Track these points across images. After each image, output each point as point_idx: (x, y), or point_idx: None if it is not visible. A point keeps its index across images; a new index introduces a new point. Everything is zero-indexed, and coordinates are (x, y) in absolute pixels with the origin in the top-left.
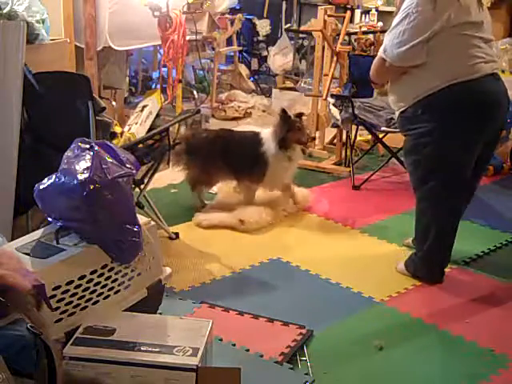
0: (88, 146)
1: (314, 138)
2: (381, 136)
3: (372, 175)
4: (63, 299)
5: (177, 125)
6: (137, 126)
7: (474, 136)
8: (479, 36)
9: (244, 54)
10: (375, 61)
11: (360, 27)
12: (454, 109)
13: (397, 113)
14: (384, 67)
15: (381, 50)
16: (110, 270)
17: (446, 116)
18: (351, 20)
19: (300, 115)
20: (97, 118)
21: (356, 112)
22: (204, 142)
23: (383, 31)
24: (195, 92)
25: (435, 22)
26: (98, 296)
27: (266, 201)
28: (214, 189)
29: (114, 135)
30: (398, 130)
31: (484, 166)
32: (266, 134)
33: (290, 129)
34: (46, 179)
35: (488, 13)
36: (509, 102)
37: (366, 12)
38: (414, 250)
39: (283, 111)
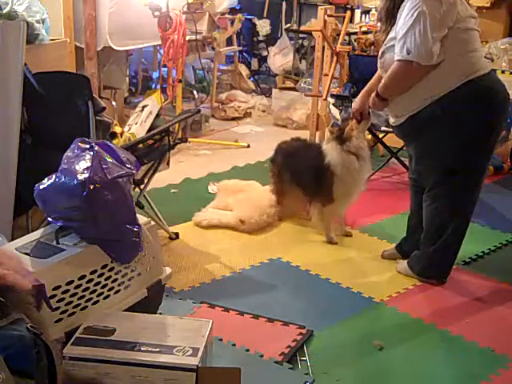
0: (88, 146)
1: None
2: (381, 136)
3: (372, 175)
4: (63, 299)
5: (177, 125)
6: (137, 126)
7: (494, 131)
8: (477, 29)
9: (244, 53)
10: (396, 70)
11: (360, 27)
12: (475, 107)
13: (401, 118)
14: (411, 72)
15: (401, 55)
16: (110, 270)
17: (467, 115)
18: (351, 20)
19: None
20: (97, 117)
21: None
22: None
23: None
24: (195, 92)
25: (446, 16)
26: (98, 296)
27: (267, 201)
28: (214, 188)
29: (113, 135)
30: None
31: None
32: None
33: (343, 127)
34: (45, 179)
35: None
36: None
37: (366, 12)
38: (399, 258)
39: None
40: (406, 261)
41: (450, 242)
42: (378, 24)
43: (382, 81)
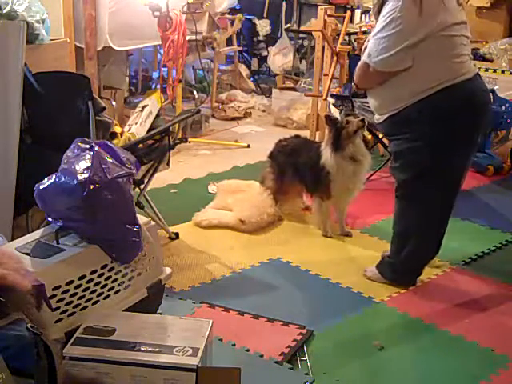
0: (88, 146)
1: (363, 121)
2: (381, 136)
3: (372, 175)
4: (63, 299)
5: (177, 125)
6: (137, 126)
7: (472, 136)
8: (464, 35)
9: (244, 53)
10: (359, 66)
11: (360, 27)
12: (451, 112)
13: (382, 116)
14: (369, 72)
15: (365, 55)
16: (110, 270)
17: (444, 120)
18: (351, 20)
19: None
20: (97, 118)
21: (356, 112)
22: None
23: None
24: (195, 92)
25: (421, 27)
26: (98, 296)
27: (267, 201)
28: (214, 188)
29: (113, 135)
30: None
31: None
32: (323, 143)
33: (340, 129)
34: (45, 179)
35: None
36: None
37: (366, 12)
38: None
39: (326, 117)
40: (374, 266)
41: (416, 247)
42: (374, 22)
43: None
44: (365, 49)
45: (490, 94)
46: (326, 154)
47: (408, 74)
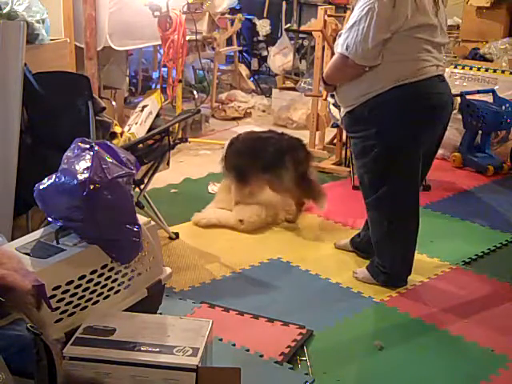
0: (88, 146)
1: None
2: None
3: None
4: (63, 299)
5: (177, 125)
6: (137, 126)
7: (419, 137)
8: (430, 40)
9: (244, 53)
10: (335, 60)
11: None
12: (400, 110)
13: (343, 111)
14: (346, 66)
15: (340, 48)
16: (110, 270)
17: (392, 117)
18: None
19: None
20: (97, 118)
21: None
22: None
23: None
24: (195, 92)
25: (395, 20)
26: (98, 296)
27: (266, 201)
28: (214, 188)
29: (113, 135)
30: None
31: (430, 162)
32: None
33: None
34: (45, 179)
35: (445, 13)
36: (453, 103)
37: None
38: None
39: None
40: (365, 269)
41: (399, 251)
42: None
43: (326, 67)
44: (338, 36)
45: (455, 97)
46: None
47: (371, 73)
